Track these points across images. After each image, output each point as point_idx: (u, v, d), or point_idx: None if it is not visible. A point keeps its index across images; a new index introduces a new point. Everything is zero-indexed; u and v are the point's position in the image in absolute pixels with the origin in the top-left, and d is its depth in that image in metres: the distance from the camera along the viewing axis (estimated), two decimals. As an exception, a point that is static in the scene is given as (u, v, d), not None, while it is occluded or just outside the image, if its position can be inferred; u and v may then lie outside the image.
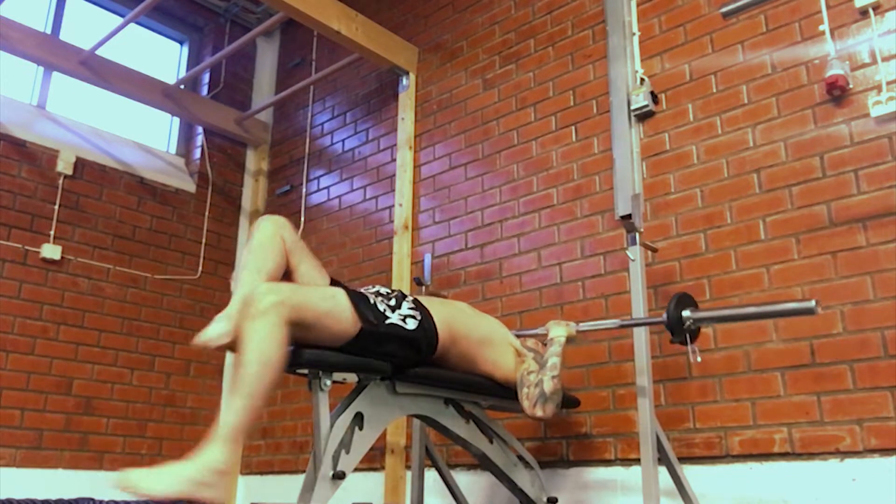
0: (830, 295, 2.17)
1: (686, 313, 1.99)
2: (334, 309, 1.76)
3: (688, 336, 2.00)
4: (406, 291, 2.15)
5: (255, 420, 1.64)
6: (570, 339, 2.19)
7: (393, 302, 1.94)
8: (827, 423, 2.09)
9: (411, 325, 1.91)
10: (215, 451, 1.58)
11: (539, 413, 2.01)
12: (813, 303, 1.77)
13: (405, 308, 1.95)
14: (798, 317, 2.20)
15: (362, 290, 1.93)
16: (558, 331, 2.18)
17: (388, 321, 1.86)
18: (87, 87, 3.76)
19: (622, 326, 2.20)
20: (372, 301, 1.88)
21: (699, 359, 2.05)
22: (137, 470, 1.50)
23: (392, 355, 1.87)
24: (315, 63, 4.33)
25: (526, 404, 2.03)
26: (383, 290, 1.99)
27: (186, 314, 3.98)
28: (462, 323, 2.09)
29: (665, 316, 1.99)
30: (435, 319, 1.98)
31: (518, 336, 2.30)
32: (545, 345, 2.22)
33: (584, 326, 2.25)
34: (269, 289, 1.67)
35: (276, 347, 1.62)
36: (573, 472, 2.58)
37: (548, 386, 2.01)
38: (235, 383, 1.61)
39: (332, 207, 3.95)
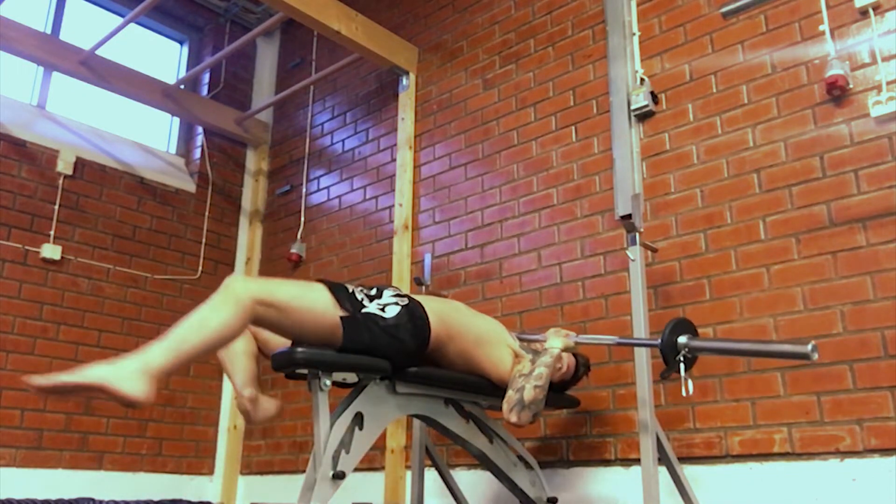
0: (830, 295, 2.17)
1: (682, 339, 1.90)
2: (307, 295, 1.78)
3: (682, 364, 1.89)
4: (406, 291, 2.15)
5: (173, 366, 1.66)
6: (567, 351, 2.17)
7: (374, 292, 1.94)
8: (827, 423, 2.09)
9: (390, 312, 1.88)
10: (129, 362, 1.59)
11: (513, 419, 1.99)
12: (809, 347, 1.68)
13: (386, 297, 1.93)
14: (800, 315, 2.21)
15: (342, 283, 1.93)
16: (555, 342, 2.14)
17: (364, 310, 1.85)
18: (87, 87, 3.76)
19: (619, 344, 2.15)
20: (350, 290, 1.88)
21: (691, 391, 1.92)
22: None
23: (379, 349, 1.85)
24: (315, 63, 4.33)
25: (504, 407, 2.02)
26: (363, 286, 1.99)
27: (186, 314, 3.97)
28: (458, 321, 2.08)
29: (660, 340, 1.91)
30: (428, 312, 1.97)
31: (521, 339, 2.28)
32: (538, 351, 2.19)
33: (582, 339, 2.21)
34: (242, 281, 1.77)
35: (219, 321, 1.70)
36: (573, 472, 2.58)
37: (528, 395, 1.99)
38: (175, 329, 1.69)
39: (332, 207, 3.95)
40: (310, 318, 1.76)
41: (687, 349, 1.88)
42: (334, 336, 1.78)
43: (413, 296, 2.03)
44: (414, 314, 1.93)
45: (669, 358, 1.89)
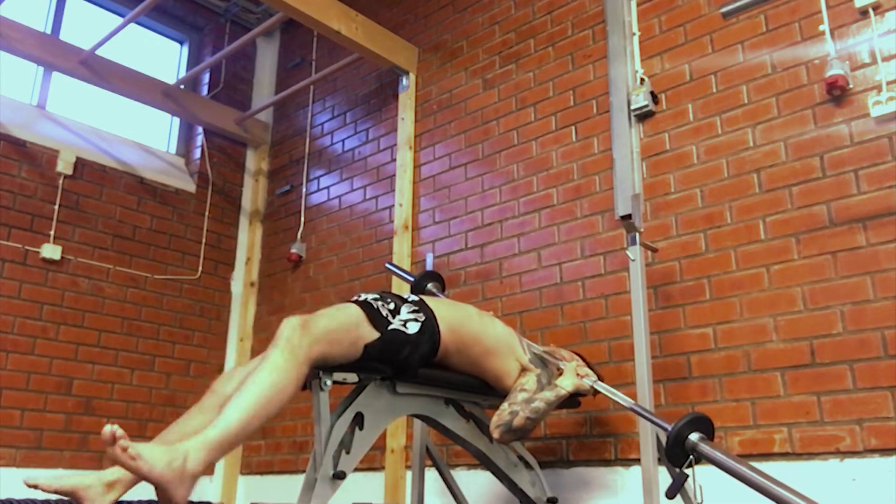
0: (830, 295, 2.17)
1: (693, 437, 1.64)
2: (356, 343, 1.78)
3: (689, 467, 1.65)
4: (406, 292, 2.13)
5: (242, 439, 1.57)
6: (577, 394, 2.11)
7: (392, 306, 1.92)
8: (827, 423, 2.09)
9: (413, 328, 1.89)
10: (196, 454, 1.44)
11: (496, 436, 1.99)
12: None
13: (405, 312, 1.92)
14: (800, 315, 2.21)
15: (366, 298, 1.90)
16: (566, 381, 2.06)
17: (390, 327, 1.85)
18: (87, 87, 3.76)
19: (632, 410, 1.93)
20: (376, 307, 1.87)
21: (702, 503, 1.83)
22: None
23: (393, 361, 1.86)
24: (315, 63, 4.33)
25: (494, 419, 2.01)
26: (380, 294, 1.97)
27: (186, 314, 3.98)
28: (470, 330, 2.06)
29: (670, 428, 1.68)
30: (440, 322, 1.96)
31: (544, 355, 2.23)
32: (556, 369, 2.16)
33: (598, 387, 2.09)
34: (301, 326, 1.67)
35: (290, 384, 1.64)
36: (573, 472, 2.58)
37: (518, 422, 1.96)
38: (239, 395, 1.56)
39: (332, 207, 3.95)
40: (345, 358, 1.78)
41: (694, 451, 1.65)
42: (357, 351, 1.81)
43: (427, 301, 2.01)
44: (430, 329, 1.93)
45: (674, 455, 1.66)
